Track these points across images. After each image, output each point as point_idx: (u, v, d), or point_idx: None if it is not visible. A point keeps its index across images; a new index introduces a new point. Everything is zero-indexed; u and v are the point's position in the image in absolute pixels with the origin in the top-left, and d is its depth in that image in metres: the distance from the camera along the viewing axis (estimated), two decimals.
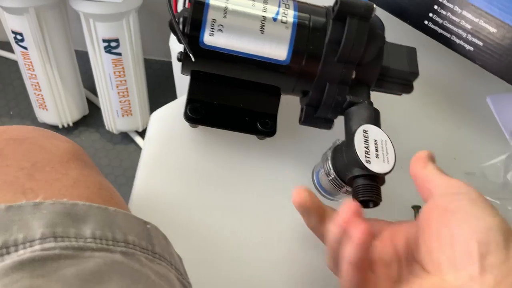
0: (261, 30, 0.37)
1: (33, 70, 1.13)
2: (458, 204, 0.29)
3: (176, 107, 0.46)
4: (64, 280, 0.22)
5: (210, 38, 0.37)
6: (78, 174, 0.29)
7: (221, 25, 0.36)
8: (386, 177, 0.39)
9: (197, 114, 0.41)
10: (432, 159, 0.34)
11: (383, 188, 0.42)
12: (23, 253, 0.23)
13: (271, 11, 0.37)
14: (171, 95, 0.58)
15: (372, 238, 0.29)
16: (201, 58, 0.38)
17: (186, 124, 0.44)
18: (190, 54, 0.36)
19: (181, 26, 0.37)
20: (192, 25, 0.36)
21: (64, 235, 0.24)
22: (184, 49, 0.37)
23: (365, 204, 0.33)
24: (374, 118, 0.37)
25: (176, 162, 0.42)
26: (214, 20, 0.36)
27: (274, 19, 0.37)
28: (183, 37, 0.36)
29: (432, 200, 0.31)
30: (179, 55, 0.39)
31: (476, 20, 0.45)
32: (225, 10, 0.36)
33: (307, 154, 0.44)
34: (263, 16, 0.37)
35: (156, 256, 0.28)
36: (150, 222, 0.29)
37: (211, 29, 0.36)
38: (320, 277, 0.39)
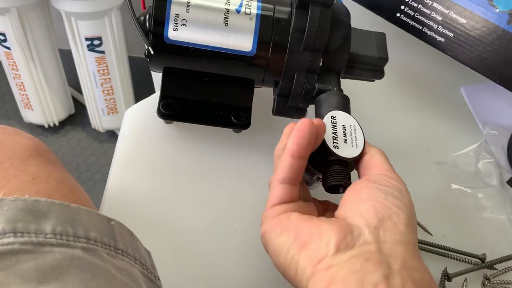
0: (225, 23, 0.37)
1: (17, 70, 1.13)
2: (387, 182, 0.31)
3: (150, 104, 0.46)
4: (22, 274, 0.23)
5: (174, 33, 0.37)
6: (38, 170, 0.29)
7: (184, 19, 0.36)
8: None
9: (170, 110, 0.41)
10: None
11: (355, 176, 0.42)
12: None
13: (234, 3, 0.37)
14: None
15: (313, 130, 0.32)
16: (167, 53, 0.38)
17: (160, 120, 0.44)
18: (149, 48, 0.36)
19: (147, 24, 0.37)
20: (155, 21, 0.36)
21: (24, 231, 0.24)
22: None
23: (335, 189, 0.34)
24: (343, 104, 0.37)
25: (150, 158, 0.42)
26: (177, 15, 0.36)
27: (238, 11, 0.37)
28: (143, 33, 0.36)
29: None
30: (145, 52, 0.39)
31: (446, 11, 0.46)
32: (188, 4, 0.37)
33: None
34: (226, 9, 0.37)
35: (119, 252, 0.28)
36: (114, 219, 0.30)
37: (174, 24, 0.36)
38: None
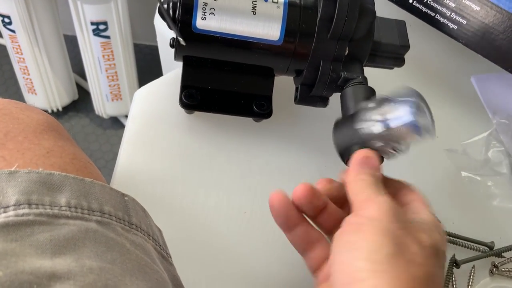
0: (253, 11, 0.37)
1: (21, 54, 1.12)
2: (348, 228, 0.27)
3: (160, 85, 0.46)
4: (37, 245, 0.23)
5: (203, 22, 0.36)
6: (51, 145, 0.29)
7: (212, 8, 0.36)
8: None
9: (192, 100, 0.40)
10: (364, 162, 0.31)
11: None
12: None
13: None
14: None
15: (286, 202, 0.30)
16: (194, 43, 0.37)
17: (170, 101, 0.43)
18: (181, 39, 0.36)
19: (171, 12, 0.36)
20: (183, 10, 0.36)
21: (38, 203, 0.24)
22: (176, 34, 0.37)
23: None
24: (369, 97, 0.36)
25: (159, 139, 0.42)
26: (205, 4, 0.36)
27: None
28: (173, 24, 0.36)
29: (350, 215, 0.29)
30: (171, 41, 0.39)
31: None
32: None
33: (303, 133, 0.45)
34: None
35: (133, 226, 0.28)
36: (127, 195, 0.29)
37: (203, 13, 0.36)
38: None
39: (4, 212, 0.23)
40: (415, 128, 0.31)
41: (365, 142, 0.33)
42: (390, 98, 0.32)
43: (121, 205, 0.28)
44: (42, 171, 0.26)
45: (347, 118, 0.35)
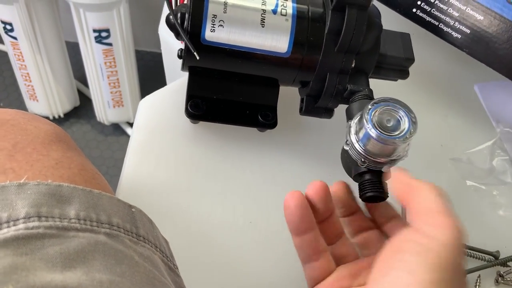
0: (261, 24, 0.37)
1: (23, 61, 1.12)
2: (411, 246, 0.25)
3: (165, 94, 0.46)
4: (47, 258, 0.23)
5: (212, 34, 0.36)
6: (60, 156, 0.29)
7: (222, 20, 0.36)
8: None
9: (198, 110, 0.41)
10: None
11: None
12: (6, 232, 0.23)
13: (270, 3, 0.37)
14: (163, 87, 0.58)
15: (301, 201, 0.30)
16: (202, 54, 0.37)
17: (175, 110, 0.44)
18: (195, 53, 0.36)
19: (185, 24, 0.36)
20: (192, 22, 0.36)
21: (48, 215, 0.24)
22: (185, 46, 0.37)
23: (372, 199, 0.33)
24: None
25: (165, 149, 0.42)
26: (214, 16, 0.36)
27: (274, 12, 0.37)
28: (185, 35, 0.36)
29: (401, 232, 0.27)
30: (179, 52, 0.39)
31: (463, 7, 0.45)
32: (225, 4, 0.36)
33: (308, 144, 0.45)
34: (262, 9, 0.37)
35: (141, 238, 0.28)
36: (135, 206, 0.29)
37: (212, 25, 0.36)
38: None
39: (14, 225, 0.23)
40: (382, 139, 0.31)
41: (357, 161, 0.33)
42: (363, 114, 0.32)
43: (128, 217, 0.28)
44: (51, 183, 0.26)
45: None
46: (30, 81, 1.17)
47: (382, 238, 0.33)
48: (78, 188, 0.27)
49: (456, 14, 0.46)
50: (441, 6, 0.46)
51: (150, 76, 1.34)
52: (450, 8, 0.46)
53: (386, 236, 0.33)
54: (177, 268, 0.31)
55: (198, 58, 0.36)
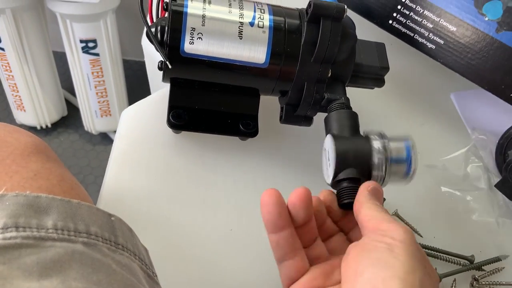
0: (239, 36, 0.38)
1: (10, 71, 1.13)
2: (376, 245, 0.28)
3: (148, 104, 0.47)
4: (24, 268, 0.23)
5: (190, 46, 0.37)
6: (39, 167, 0.30)
7: (200, 33, 0.37)
8: None
9: (180, 120, 0.41)
10: (374, 193, 0.32)
11: None
12: None
13: (247, 16, 0.38)
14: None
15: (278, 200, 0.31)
16: (182, 65, 0.38)
17: (158, 120, 0.44)
18: (167, 62, 0.37)
19: (159, 35, 0.37)
20: (172, 35, 0.37)
21: (26, 226, 0.25)
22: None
23: (349, 206, 0.34)
24: (353, 122, 0.38)
25: (146, 158, 0.43)
26: (193, 29, 0.37)
27: (251, 24, 0.38)
28: (160, 48, 0.37)
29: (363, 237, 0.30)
30: (159, 64, 0.40)
31: (437, 19, 0.47)
32: (203, 17, 0.37)
33: (288, 152, 0.46)
34: (240, 22, 0.38)
35: (119, 247, 0.28)
36: (114, 215, 0.30)
37: (190, 37, 0.37)
38: None
39: None
40: (408, 165, 0.35)
41: (368, 166, 0.34)
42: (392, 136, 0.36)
43: (107, 226, 0.29)
44: (30, 194, 0.27)
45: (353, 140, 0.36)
46: (18, 92, 1.17)
47: (347, 242, 0.34)
48: (56, 198, 0.27)
49: (430, 25, 0.47)
50: (416, 17, 0.48)
51: (138, 85, 1.35)
52: (424, 20, 0.48)
53: (350, 240, 0.34)
54: (156, 276, 0.32)
55: (170, 67, 0.37)
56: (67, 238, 0.26)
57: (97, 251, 0.26)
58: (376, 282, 0.26)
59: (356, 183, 0.34)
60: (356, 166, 0.34)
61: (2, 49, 1.08)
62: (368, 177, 0.35)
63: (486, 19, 0.45)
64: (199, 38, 0.37)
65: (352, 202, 0.33)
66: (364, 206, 0.31)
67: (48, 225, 0.26)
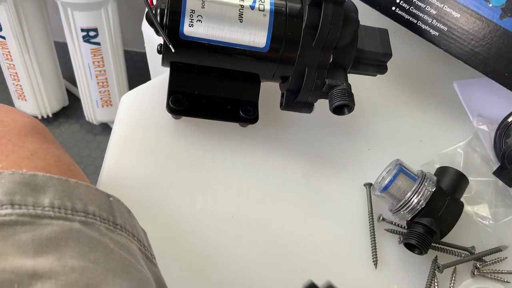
0: (239, 19, 0.37)
1: (11, 60, 1.12)
2: None
3: (147, 89, 0.46)
4: (19, 244, 0.23)
5: (190, 29, 0.37)
6: (35, 147, 0.29)
7: (200, 15, 0.37)
8: (344, 155, 0.42)
9: (180, 106, 0.41)
10: None
11: (339, 166, 0.43)
12: None
13: None
14: None
15: None
16: (181, 49, 0.38)
17: (157, 106, 0.44)
18: (170, 46, 0.36)
19: (158, 18, 0.37)
20: (171, 17, 0.36)
21: (21, 203, 0.25)
22: (164, 41, 0.37)
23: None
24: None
25: (146, 144, 0.43)
26: (193, 11, 0.37)
27: (252, 7, 0.38)
28: (162, 30, 0.36)
29: None
30: (158, 47, 0.39)
31: (440, 5, 0.46)
32: (203, 0, 0.37)
33: (288, 138, 0.45)
34: (240, 5, 0.37)
35: (117, 227, 0.28)
36: (113, 195, 0.30)
37: (190, 20, 0.37)
38: (280, 253, 0.40)
39: None
40: None
41: None
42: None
43: (106, 206, 0.28)
44: (26, 172, 0.26)
45: None
46: (19, 81, 1.17)
47: None
48: (54, 177, 0.27)
49: (433, 12, 0.47)
50: (419, 4, 0.47)
51: (139, 76, 1.34)
52: (428, 6, 0.47)
53: None
54: (154, 258, 0.32)
55: (173, 51, 0.37)
56: (64, 216, 0.25)
57: (95, 230, 0.26)
58: None
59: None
60: None
61: (3, 37, 1.08)
62: None
63: (490, 5, 0.44)
64: (199, 20, 0.37)
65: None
66: None
67: (45, 203, 0.25)
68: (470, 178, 0.43)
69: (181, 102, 0.41)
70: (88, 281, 0.23)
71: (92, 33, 1.03)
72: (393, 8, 0.49)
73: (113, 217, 0.28)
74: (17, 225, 0.24)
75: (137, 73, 1.35)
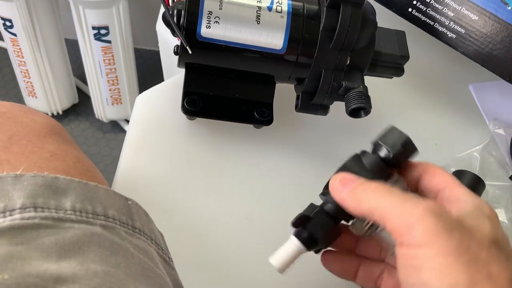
0: (257, 20, 0.37)
1: (22, 57, 1.13)
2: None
3: (162, 90, 0.46)
4: (43, 248, 0.23)
5: (207, 31, 0.37)
6: (55, 148, 0.29)
7: (217, 16, 0.36)
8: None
9: (195, 107, 0.41)
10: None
11: None
12: (2, 222, 0.23)
13: (265, 0, 0.38)
14: None
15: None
16: (198, 50, 0.38)
17: (172, 107, 0.44)
18: (187, 47, 0.36)
19: (175, 19, 0.37)
20: (188, 18, 0.36)
21: (44, 206, 0.25)
22: (181, 42, 0.37)
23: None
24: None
25: (161, 145, 0.43)
26: (210, 12, 0.36)
27: (269, 9, 0.37)
28: (179, 31, 0.36)
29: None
30: (175, 48, 0.39)
31: (458, 7, 0.46)
32: (221, 1, 0.37)
33: (303, 140, 0.45)
34: (258, 6, 0.37)
35: (136, 231, 0.28)
36: (131, 199, 0.30)
37: (207, 21, 0.36)
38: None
39: (10, 215, 0.24)
40: None
41: None
42: None
43: (124, 209, 0.28)
44: (47, 175, 0.26)
45: None
46: (29, 78, 1.18)
47: None
48: (74, 180, 0.27)
49: (451, 14, 0.46)
50: (437, 6, 0.47)
51: (149, 74, 1.35)
52: (445, 8, 0.46)
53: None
54: (172, 261, 0.32)
55: (190, 52, 0.37)
56: (85, 220, 0.26)
57: (115, 234, 0.26)
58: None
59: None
60: None
61: (14, 34, 1.08)
62: None
63: (509, 8, 0.44)
64: (216, 22, 0.37)
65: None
66: (352, 200, 0.27)
67: (67, 206, 0.25)
68: (486, 183, 0.42)
69: (196, 103, 0.41)
70: (110, 285, 0.23)
71: (103, 31, 1.04)
72: (410, 9, 0.49)
73: (132, 221, 0.28)
74: (40, 228, 0.24)
75: (147, 71, 1.35)
